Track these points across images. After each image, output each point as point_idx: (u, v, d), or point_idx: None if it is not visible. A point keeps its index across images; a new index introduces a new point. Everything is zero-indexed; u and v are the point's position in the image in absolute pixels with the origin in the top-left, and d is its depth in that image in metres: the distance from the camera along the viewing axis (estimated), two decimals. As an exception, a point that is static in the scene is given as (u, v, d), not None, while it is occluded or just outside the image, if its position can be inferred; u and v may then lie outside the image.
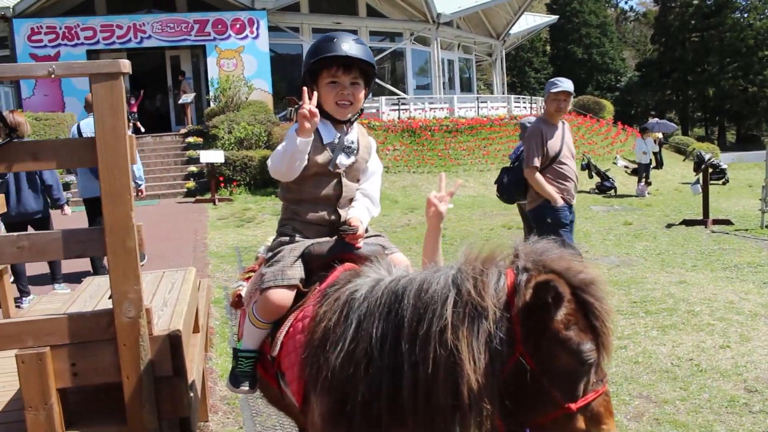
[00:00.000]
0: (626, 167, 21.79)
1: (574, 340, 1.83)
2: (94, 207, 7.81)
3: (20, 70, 2.61)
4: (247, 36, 21.16)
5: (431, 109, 23.39)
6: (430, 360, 1.81)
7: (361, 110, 2.66)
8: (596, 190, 19.02)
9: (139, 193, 8.55)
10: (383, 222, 13.87)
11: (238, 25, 21.10)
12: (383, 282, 2.04)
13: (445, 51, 28.23)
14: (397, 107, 22.44)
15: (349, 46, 2.48)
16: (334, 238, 2.51)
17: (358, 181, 2.72)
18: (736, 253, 8.97)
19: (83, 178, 8.03)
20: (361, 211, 2.61)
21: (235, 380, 2.57)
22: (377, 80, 24.55)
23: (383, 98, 22.56)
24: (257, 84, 20.88)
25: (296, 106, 18.55)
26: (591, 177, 19.32)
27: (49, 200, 7.26)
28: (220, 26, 20.94)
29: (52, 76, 2.39)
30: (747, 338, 5.48)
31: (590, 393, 1.88)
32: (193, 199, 15.96)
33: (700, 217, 11.83)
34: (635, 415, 4.22)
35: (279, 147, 2.50)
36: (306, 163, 2.49)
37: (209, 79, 21.02)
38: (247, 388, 2.56)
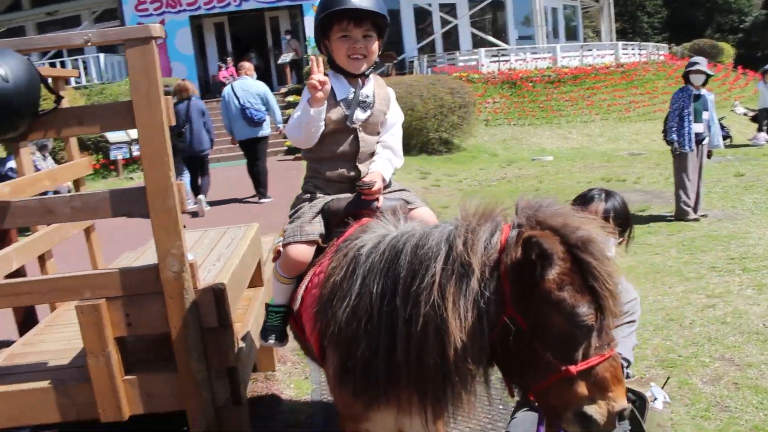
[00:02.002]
0: (746, 113, 20.27)
1: (568, 301, 1.74)
2: (249, 147, 10.20)
3: (61, 40, 2.73)
4: (344, -7, 21.13)
5: (533, 59, 22.59)
6: (420, 318, 1.78)
7: (376, 62, 2.60)
8: (709, 140, 17.84)
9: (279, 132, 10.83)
10: (479, 176, 13.70)
11: (335, -18, 21.11)
12: (387, 237, 2.02)
13: (548, -2, 27.10)
14: (497, 59, 21.85)
15: None
16: (354, 194, 2.51)
17: (378, 134, 2.67)
18: None
19: (237, 124, 9.99)
20: (382, 164, 2.57)
21: (264, 333, 2.65)
22: (478, 32, 23.92)
23: (483, 50, 22.00)
24: (354, 41, 20.83)
25: (394, 61, 18.29)
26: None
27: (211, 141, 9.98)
28: (317, -16, 21.04)
29: (89, 44, 2.50)
30: None
31: (594, 357, 1.78)
32: (292, 157, 16.32)
33: (823, 168, 10.90)
34: (713, 378, 4.01)
35: (294, 117, 2.50)
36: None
37: (307, 38, 21.23)
38: (273, 341, 2.63)
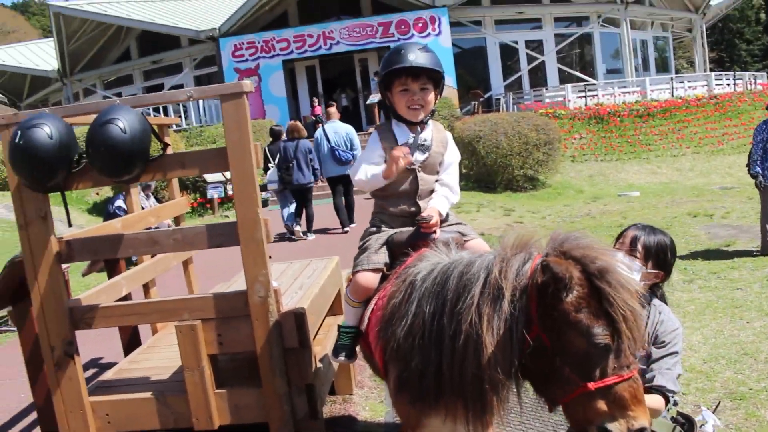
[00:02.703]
0: None
1: (584, 322, 1.95)
2: (338, 182, 11.12)
3: (168, 97, 3.19)
4: (429, 34, 21.73)
5: (621, 93, 22.35)
6: (462, 334, 2.05)
7: (433, 111, 2.91)
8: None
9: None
10: (563, 212, 13.68)
11: (420, 24, 21.77)
12: (440, 265, 2.29)
13: (637, 31, 26.77)
14: (584, 94, 21.78)
15: (415, 56, 2.74)
16: (414, 227, 2.81)
17: (437, 173, 2.97)
18: None
19: (327, 164, 11.02)
20: (439, 201, 2.86)
21: (335, 351, 2.97)
22: (564, 67, 23.74)
23: (569, 86, 21.99)
24: (441, 80, 21.35)
25: (480, 99, 18.51)
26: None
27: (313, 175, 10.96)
28: (403, 27, 21.76)
29: (191, 99, 2.93)
30: None
31: (612, 377, 1.97)
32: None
33: None
34: (784, 410, 3.99)
35: (361, 170, 2.87)
36: None
37: (394, 79, 21.87)
38: (343, 358, 2.95)
